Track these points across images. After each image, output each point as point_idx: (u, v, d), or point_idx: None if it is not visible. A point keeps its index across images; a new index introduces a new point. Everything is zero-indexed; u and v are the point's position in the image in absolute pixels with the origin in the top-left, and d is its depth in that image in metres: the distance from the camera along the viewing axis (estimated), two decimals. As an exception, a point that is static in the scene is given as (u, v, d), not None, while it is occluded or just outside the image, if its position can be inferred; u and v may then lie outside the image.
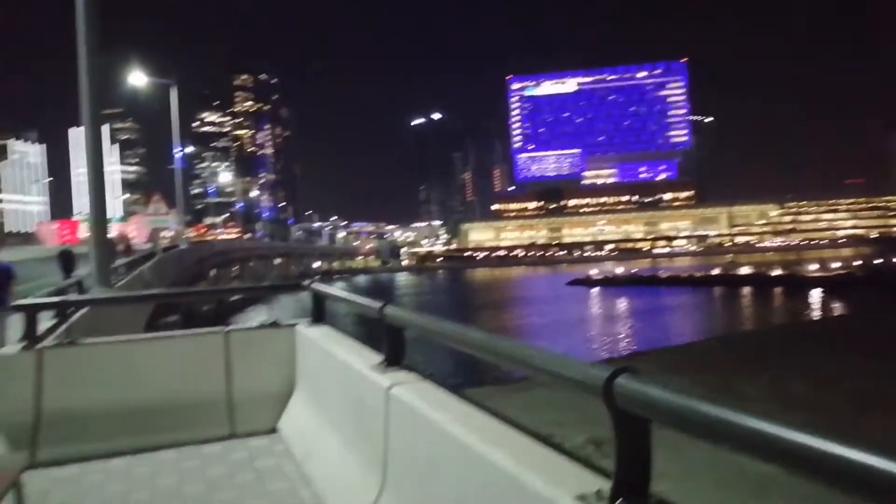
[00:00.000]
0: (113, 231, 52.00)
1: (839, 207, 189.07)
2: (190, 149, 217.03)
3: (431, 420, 2.91)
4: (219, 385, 5.74)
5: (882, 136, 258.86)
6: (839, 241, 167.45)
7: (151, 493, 4.53)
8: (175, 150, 51.96)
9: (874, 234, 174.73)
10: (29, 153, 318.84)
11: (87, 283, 14.01)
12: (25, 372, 5.31)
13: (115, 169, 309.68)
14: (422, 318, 3.69)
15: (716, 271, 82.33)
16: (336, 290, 5.87)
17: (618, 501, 1.88)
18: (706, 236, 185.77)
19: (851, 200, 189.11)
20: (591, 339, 37.18)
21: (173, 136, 50.81)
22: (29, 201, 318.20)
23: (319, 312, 5.96)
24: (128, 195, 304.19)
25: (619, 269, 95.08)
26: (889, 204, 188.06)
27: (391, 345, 3.89)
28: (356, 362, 4.13)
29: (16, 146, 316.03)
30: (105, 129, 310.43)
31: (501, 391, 17.65)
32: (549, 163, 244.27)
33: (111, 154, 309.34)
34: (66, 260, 20.99)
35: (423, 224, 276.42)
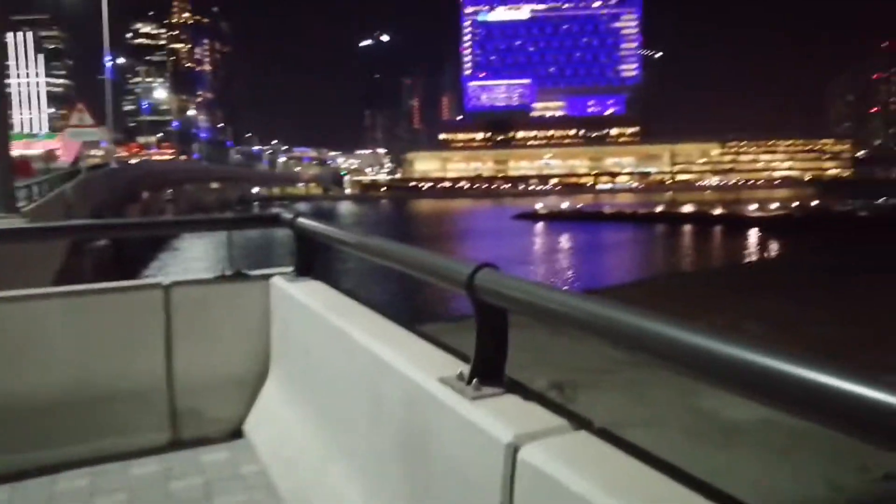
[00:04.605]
0: (39, 148, 48.60)
1: (777, 149, 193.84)
2: (122, 60, 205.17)
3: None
4: (155, 365, 3.92)
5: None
6: (775, 183, 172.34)
7: None
8: (106, 60, 48.39)
9: (808, 176, 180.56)
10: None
11: None
12: None
13: (40, 81, 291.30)
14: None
15: (659, 209, 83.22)
16: (339, 230, 3.84)
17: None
18: (648, 173, 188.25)
19: (790, 142, 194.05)
20: (541, 276, 36.84)
21: (104, 45, 47.29)
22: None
23: (308, 260, 4.15)
24: (53, 109, 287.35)
25: (564, 204, 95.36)
26: (824, 147, 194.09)
27: (485, 345, 2.19)
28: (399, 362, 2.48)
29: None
30: (28, 37, 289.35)
31: (454, 329, 16.87)
32: (500, 92, 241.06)
33: (35, 64, 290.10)
34: None
35: (368, 152, 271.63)
